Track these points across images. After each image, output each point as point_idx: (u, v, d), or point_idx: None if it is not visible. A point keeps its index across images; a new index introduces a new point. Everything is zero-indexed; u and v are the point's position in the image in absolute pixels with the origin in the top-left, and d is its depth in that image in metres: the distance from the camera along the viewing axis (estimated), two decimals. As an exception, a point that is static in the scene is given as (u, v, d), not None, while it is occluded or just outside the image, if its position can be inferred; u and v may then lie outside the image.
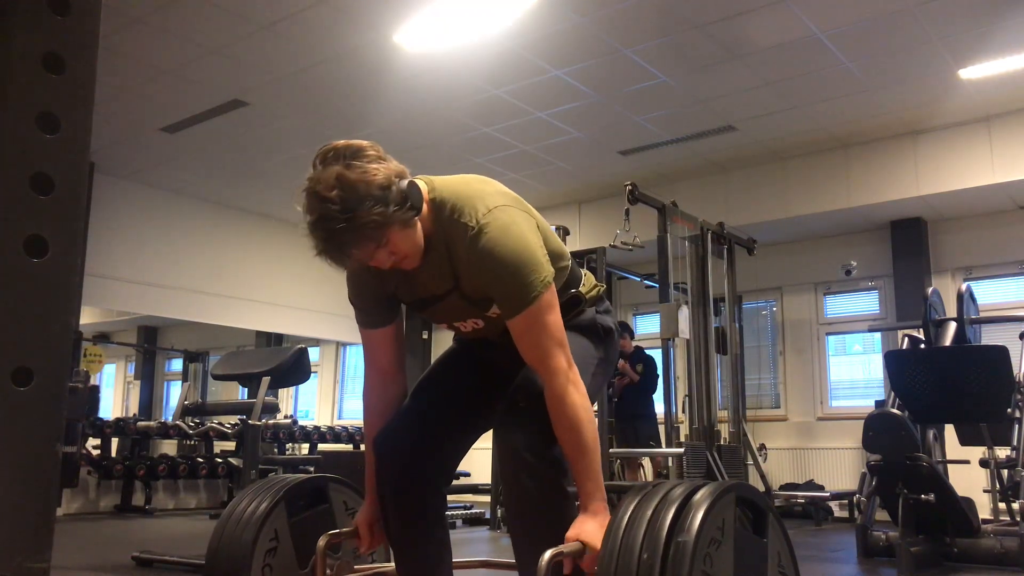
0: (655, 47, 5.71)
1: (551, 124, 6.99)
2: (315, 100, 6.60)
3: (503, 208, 1.62)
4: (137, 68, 6.08)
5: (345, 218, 1.45)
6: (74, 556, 4.46)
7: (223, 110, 6.78)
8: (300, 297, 9.97)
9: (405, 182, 1.54)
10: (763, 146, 7.49)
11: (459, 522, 6.75)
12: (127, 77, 6.21)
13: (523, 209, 1.68)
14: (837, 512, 7.37)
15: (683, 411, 6.60)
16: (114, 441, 8.45)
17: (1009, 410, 4.37)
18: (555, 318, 1.61)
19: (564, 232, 6.33)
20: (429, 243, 1.63)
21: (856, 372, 8.33)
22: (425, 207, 1.60)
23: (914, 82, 6.22)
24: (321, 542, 1.72)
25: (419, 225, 1.60)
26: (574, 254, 6.49)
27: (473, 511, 7.17)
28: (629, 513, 1.29)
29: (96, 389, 8.92)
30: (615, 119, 6.91)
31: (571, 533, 1.50)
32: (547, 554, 1.42)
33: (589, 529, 1.49)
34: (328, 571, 1.75)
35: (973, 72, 6.03)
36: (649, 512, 1.27)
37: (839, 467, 7.78)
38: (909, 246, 7.70)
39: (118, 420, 8.41)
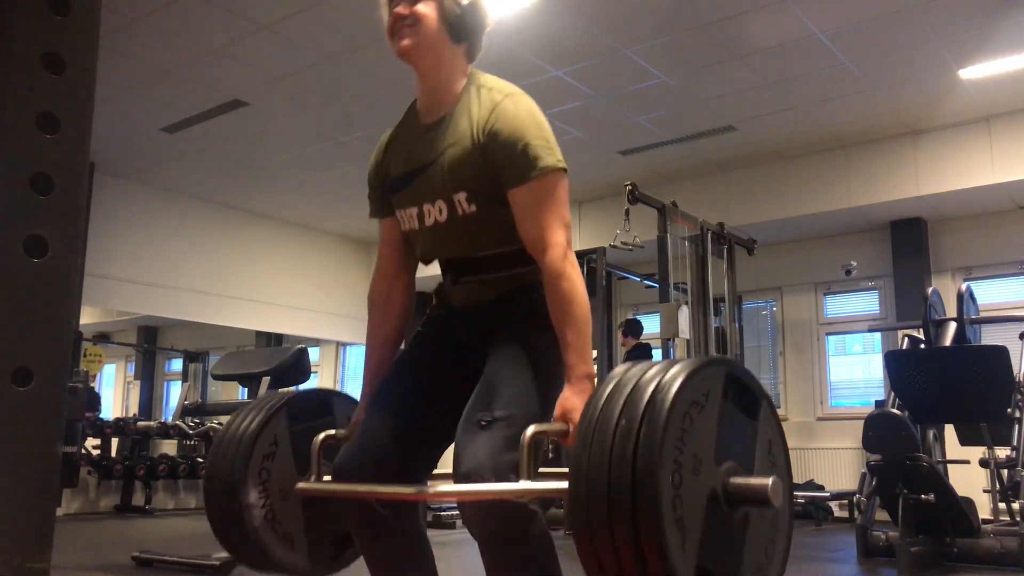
0: (655, 47, 5.71)
1: (551, 124, 6.98)
2: (315, 100, 6.60)
3: (532, 100, 1.68)
4: (137, 68, 6.08)
5: None
6: (74, 556, 4.46)
7: (223, 110, 6.78)
8: (300, 297, 9.97)
9: (470, 7, 1.66)
10: (763, 146, 7.49)
11: (458, 523, 6.75)
12: (127, 77, 6.21)
13: None
14: (837, 512, 7.38)
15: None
16: (114, 441, 8.45)
17: (1009, 410, 4.37)
18: (564, 200, 1.60)
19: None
20: (452, 105, 1.67)
21: (856, 372, 8.33)
22: (464, 77, 1.69)
23: (914, 82, 6.22)
24: (316, 441, 1.70)
25: (454, 68, 1.67)
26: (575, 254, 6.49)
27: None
28: (611, 386, 1.24)
29: (92, 391, 8.93)
30: (615, 119, 6.91)
31: (556, 412, 1.49)
32: (529, 431, 1.40)
33: (573, 405, 1.47)
34: (327, 476, 1.71)
35: (973, 72, 6.03)
36: (631, 383, 1.23)
37: (839, 467, 7.78)
38: (909, 246, 7.70)
39: (118, 420, 8.41)
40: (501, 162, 1.59)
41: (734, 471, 1.27)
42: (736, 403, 1.33)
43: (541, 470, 1.47)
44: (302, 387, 1.99)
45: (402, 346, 1.89)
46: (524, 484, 1.39)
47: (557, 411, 1.50)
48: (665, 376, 1.21)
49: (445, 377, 1.75)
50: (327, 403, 1.91)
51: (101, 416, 8.92)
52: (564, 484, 1.26)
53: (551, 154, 1.59)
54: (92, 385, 11.10)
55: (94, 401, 10.19)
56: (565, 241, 1.58)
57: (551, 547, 1.53)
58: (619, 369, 1.31)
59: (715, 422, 1.26)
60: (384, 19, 1.68)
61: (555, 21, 5.37)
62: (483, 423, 1.50)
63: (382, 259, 1.85)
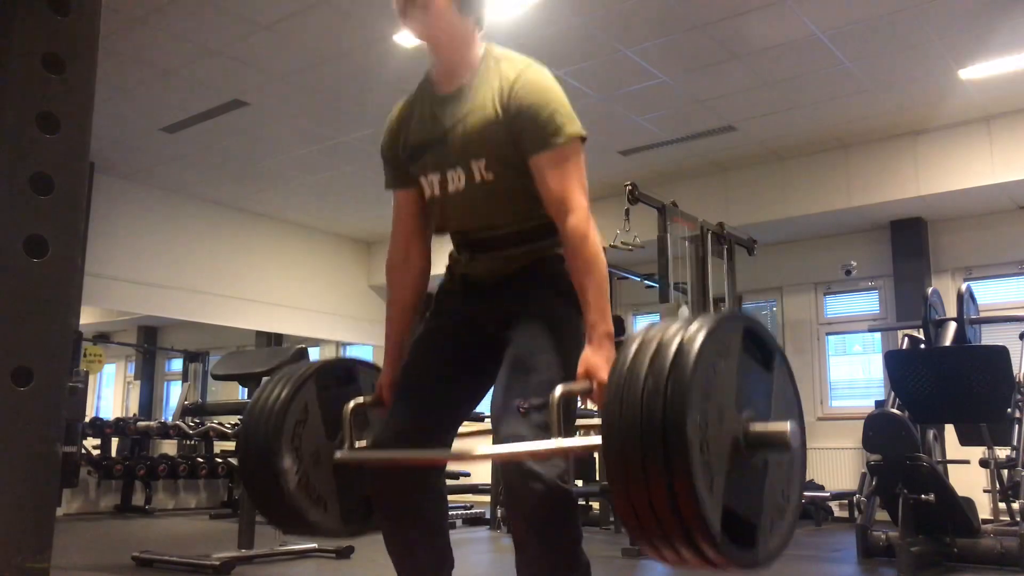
0: (655, 47, 5.71)
1: (551, 124, 6.98)
2: (315, 100, 6.60)
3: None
4: (137, 68, 6.08)
5: None
6: (74, 556, 4.47)
7: (223, 110, 6.78)
8: (300, 297, 9.97)
9: None
10: (763, 146, 7.49)
11: (459, 522, 6.75)
12: (127, 77, 6.21)
13: None
14: (837, 512, 7.38)
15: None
16: (114, 441, 8.45)
17: (1009, 410, 4.37)
18: (583, 167, 1.68)
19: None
20: (471, 73, 1.71)
21: (856, 372, 8.33)
22: (477, 48, 1.73)
23: (914, 82, 6.22)
24: (347, 409, 1.76)
25: (467, 39, 1.71)
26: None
27: (473, 511, 7.17)
28: (636, 343, 1.31)
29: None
30: (615, 119, 6.91)
31: (580, 370, 1.54)
32: (557, 390, 1.46)
33: (595, 363, 1.52)
34: (358, 442, 1.78)
35: (973, 72, 6.02)
36: (655, 340, 1.29)
37: (839, 467, 7.78)
38: (909, 246, 7.70)
39: (118, 420, 8.41)
40: (525, 128, 1.64)
41: (754, 418, 1.35)
42: (753, 356, 1.42)
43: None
44: (328, 358, 2.02)
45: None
46: (558, 441, 1.45)
47: (580, 369, 1.55)
48: (688, 332, 1.29)
49: (466, 354, 1.80)
50: (352, 371, 1.96)
51: (101, 416, 8.92)
52: (597, 440, 1.34)
53: (574, 122, 1.68)
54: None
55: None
56: (586, 204, 1.66)
57: (580, 538, 1.60)
58: (642, 328, 1.37)
59: (735, 373, 1.35)
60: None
61: (555, 21, 5.37)
62: (521, 410, 1.56)
63: (398, 226, 1.87)
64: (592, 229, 1.63)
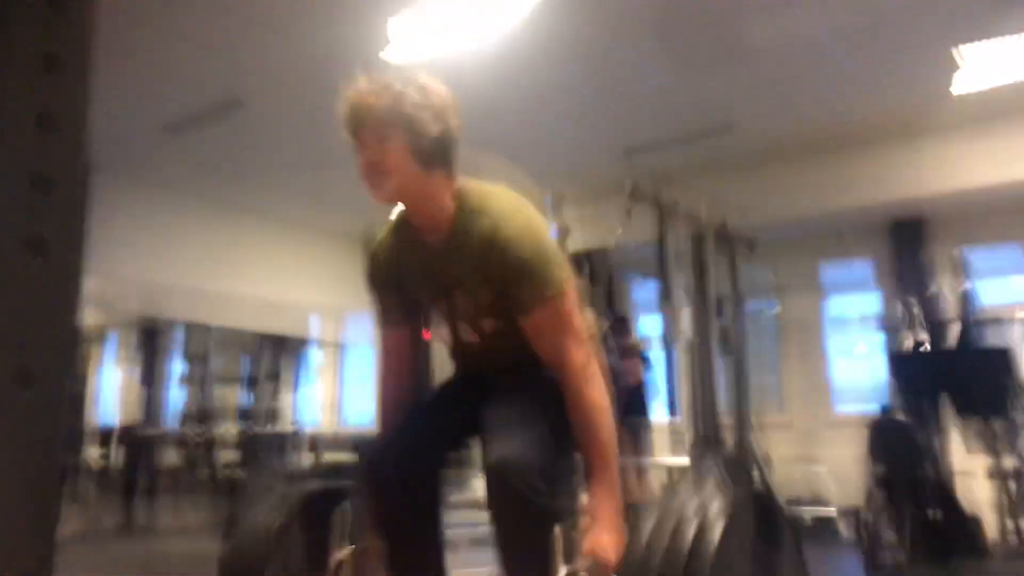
0: (656, 46, 5.71)
1: (551, 123, 6.98)
2: (315, 100, 6.57)
3: (529, 207, 1.65)
4: (136, 67, 6.07)
5: (384, 94, 1.61)
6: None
7: (223, 109, 6.78)
8: (301, 297, 9.96)
9: (439, 138, 1.60)
10: (764, 146, 7.48)
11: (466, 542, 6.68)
12: (126, 76, 6.20)
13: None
14: (843, 531, 7.29)
15: (686, 414, 6.58)
16: (116, 449, 8.40)
17: (1014, 412, 4.36)
18: (575, 314, 1.60)
19: (565, 232, 6.31)
20: (449, 227, 1.65)
21: (859, 374, 8.31)
22: (450, 199, 1.64)
23: (914, 82, 6.21)
24: (337, 558, 1.70)
25: (435, 195, 1.63)
26: (575, 254, 6.48)
27: (480, 529, 7.08)
28: (646, 538, 1.26)
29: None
30: (615, 119, 6.91)
31: (586, 547, 1.47)
32: (562, 572, 1.40)
33: (603, 544, 1.45)
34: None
35: (974, 71, 6.01)
36: (667, 537, 1.24)
37: (842, 471, 7.74)
38: (910, 246, 7.69)
39: (124, 429, 8.33)
40: (508, 292, 1.60)
41: None
42: (764, 537, 1.37)
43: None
44: (305, 489, 1.91)
45: None
46: None
47: (586, 547, 1.49)
48: (703, 529, 1.22)
49: (468, 389, 1.80)
50: (338, 496, 1.86)
51: (102, 420, 8.89)
52: None
53: (554, 276, 1.59)
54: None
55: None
56: (582, 359, 1.57)
57: None
58: (653, 513, 1.32)
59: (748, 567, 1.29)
60: (346, 140, 1.69)
61: (555, 20, 5.36)
62: (513, 422, 1.54)
63: (391, 364, 1.83)
64: (587, 386, 1.55)
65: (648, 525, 1.27)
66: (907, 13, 5.22)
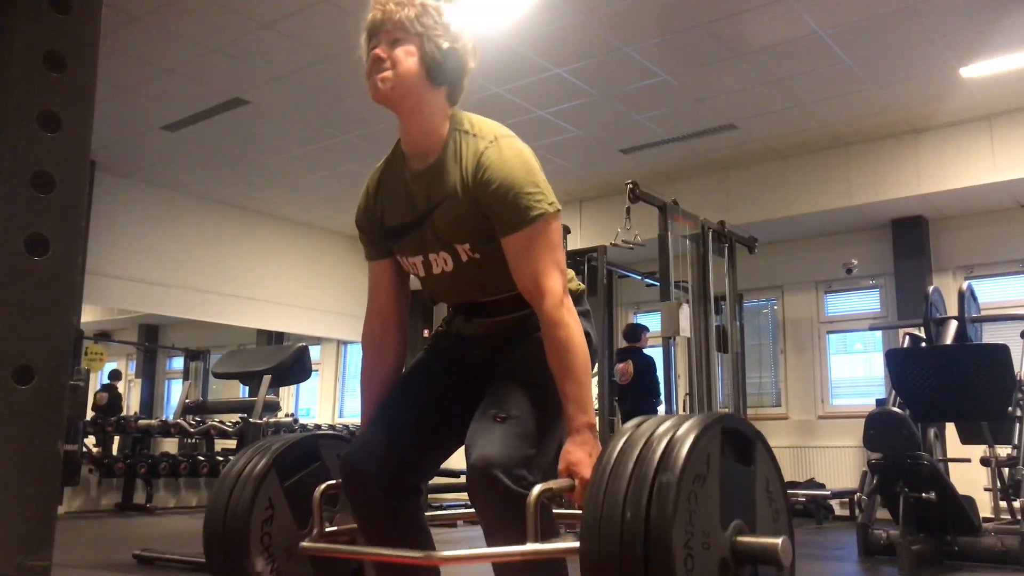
0: (656, 45, 5.71)
1: (551, 122, 6.99)
2: (315, 98, 6.60)
3: (518, 138, 1.66)
4: (138, 66, 6.08)
5: (408, 4, 1.61)
6: (75, 554, 4.47)
7: (224, 108, 6.78)
8: (301, 295, 9.97)
9: (451, 51, 1.63)
10: (764, 144, 7.48)
11: (460, 522, 6.75)
12: (128, 75, 6.21)
13: None
14: (838, 511, 7.38)
15: (683, 411, 6.59)
16: (115, 439, 8.45)
17: (1010, 408, 4.37)
18: (558, 243, 1.59)
19: (565, 231, 6.33)
20: (438, 151, 1.65)
21: (857, 370, 8.33)
22: (446, 122, 1.66)
23: (915, 80, 6.21)
24: (316, 495, 1.68)
25: (434, 112, 1.65)
26: (575, 253, 6.50)
27: (473, 510, 7.15)
28: (616, 452, 1.27)
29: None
30: (616, 117, 6.91)
31: (561, 466, 1.50)
32: (535, 490, 1.40)
33: (576, 459, 1.48)
34: (327, 524, 1.72)
35: (974, 70, 6.02)
36: (636, 450, 1.26)
37: (840, 465, 7.78)
38: (910, 244, 7.70)
39: (119, 418, 8.41)
40: (493, 212, 1.59)
41: (740, 529, 1.31)
42: (734, 455, 1.37)
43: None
44: (286, 437, 1.93)
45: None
46: (533, 546, 1.39)
47: (561, 465, 1.50)
48: (667, 460, 1.23)
49: (453, 386, 1.76)
50: (314, 450, 1.88)
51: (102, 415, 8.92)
52: (575, 544, 1.28)
53: (542, 200, 1.58)
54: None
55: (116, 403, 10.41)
56: (560, 287, 1.57)
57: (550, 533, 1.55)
58: (623, 430, 1.32)
59: (717, 488, 1.29)
60: (364, 60, 1.65)
61: (556, 19, 5.36)
62: (498, 419, 1.52)
63: (375, 301, 1.82)
64: (566, 313, 1.55)
65: (619, 443, 1.29)
66: (908, 11, 5.22)
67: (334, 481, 1.72)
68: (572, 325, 1.56)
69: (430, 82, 1.62)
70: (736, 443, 1.38)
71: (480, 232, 1.62)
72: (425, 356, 1.84)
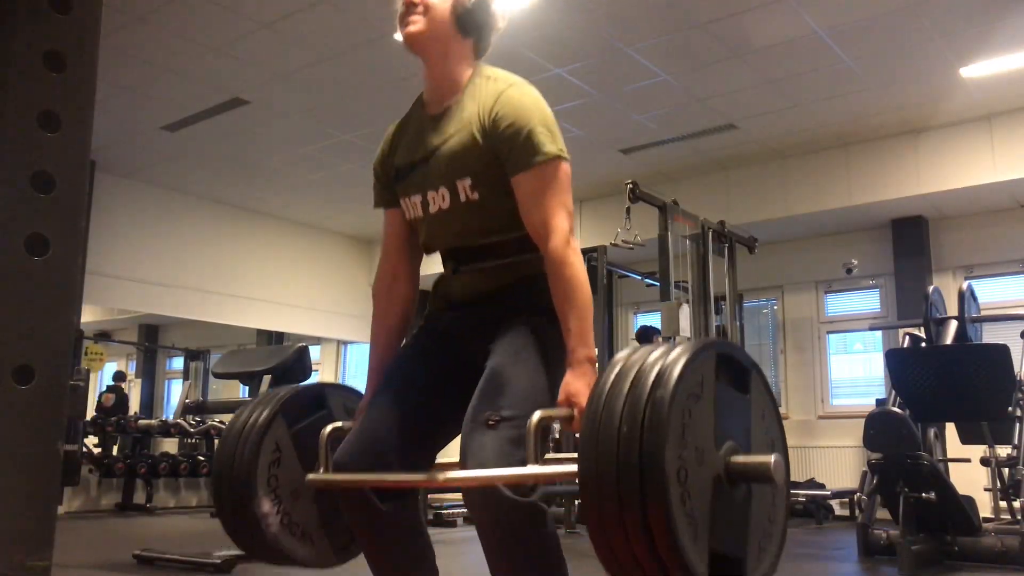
0: (656, 45, 5.71)
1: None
2: (316, 98, 6.60)
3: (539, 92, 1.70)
4: (138, 66, 6.08)
5: None
6: (75, 554, 4.47)
7: (224, 108, 6.78)
8: (301, 296, 9.97)
9: (481, 3, 1.71)
10: (764, 144, 7.48)
11: (460, 520, 6.75)
12: (128, 76, 6.21)
13: None
14: (838, 511, 7.38)
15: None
16: (115, 439, 8.46)
17: (1010, 409, 4.37)
18: (567, 187, 1.63)
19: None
20: (458, 93, 1.70)
21: (857, 370, 8.33)
22: (469, 70, 1.73)
23: (915, 80, 6.21)
24: (324, 434, 1.70)
25: (459, 60, 1.71)
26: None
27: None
28: (612, 376, 1.29)
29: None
30: (616, 117, 6.91)
31: (560, 397, 1.51)
32: (535, 416, 1.42)
33: (576, 389, 1.50)
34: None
35: (974, 70, 6.02)
36: (631, 374, 1.27)
37: (840, 465, 7.78)
38: (910, 244, 7.70)
39: (119, 418, 8.41)
40: (505, 148, 1.62)
41: (734, 450, 1.32)
42: (729, 381, 1.38)
43: (547, 456, 1.50)
44: (293, 386, 1.94)
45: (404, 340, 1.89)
46: (532, 468, 1.41)
47: (561, 395, 1.52)
48: (664, 363, 1.26)
49: (446, 370, 1.75)
50: (321, 397, 1.90)
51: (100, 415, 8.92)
52: (573, 468, 1.29)
53: (554, 142, 1.62)
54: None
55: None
56: (568, 227, 1.61)
57: (557, 546, 1.53)
58: (619, 357, 1.34)
59: (711, 408, 1.31)
60: (397, 8, 1.71)
61: (556, 19, 5.36)
62: (490, 422, 1.50)
63: (387, 250, 1.87)
64: (572, 252, 1.59)
65: (614, 369, 1.30)
66: (908, 11, 5.22)
67: (340, 423, 1.73)
68: (577, 264, 1.60)
69: (459, 31, 1.70)
70: (731, 370, 1.40)
71: (484, 168, 1.64)
72: (415, 340, 1.83)
